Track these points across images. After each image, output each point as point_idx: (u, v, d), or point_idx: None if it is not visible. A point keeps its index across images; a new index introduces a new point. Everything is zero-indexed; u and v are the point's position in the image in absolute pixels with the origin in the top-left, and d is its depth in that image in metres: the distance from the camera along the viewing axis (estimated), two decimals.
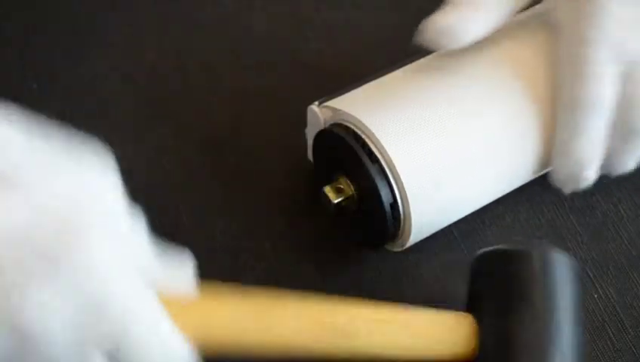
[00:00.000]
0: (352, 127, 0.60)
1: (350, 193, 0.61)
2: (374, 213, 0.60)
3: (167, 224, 0.66)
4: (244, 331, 0.51)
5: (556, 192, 0.67)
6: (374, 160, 0.59)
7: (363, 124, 0.59)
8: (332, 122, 0.62)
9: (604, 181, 0.67)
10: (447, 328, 0.55)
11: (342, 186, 0.62)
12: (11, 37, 0.74)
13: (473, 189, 0.62)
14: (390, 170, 0.59)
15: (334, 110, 0.62)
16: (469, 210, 0.64)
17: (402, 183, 0.59)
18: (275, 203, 0.67)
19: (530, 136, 0.62)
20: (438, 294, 0.63)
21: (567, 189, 0.64)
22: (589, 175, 0.62)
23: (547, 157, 0.63)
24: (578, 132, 0.61)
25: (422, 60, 0.64)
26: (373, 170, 0.59)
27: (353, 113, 0.60)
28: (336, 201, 0.61)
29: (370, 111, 0.60)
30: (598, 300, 0.63)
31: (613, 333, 0.62)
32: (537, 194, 0.66)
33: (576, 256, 0.65)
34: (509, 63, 0.63)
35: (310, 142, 0.65)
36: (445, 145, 0.60)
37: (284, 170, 0.68)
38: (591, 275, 0.64)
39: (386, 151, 0.59)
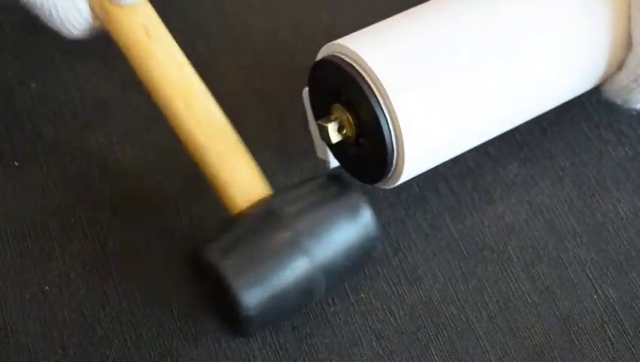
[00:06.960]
0: (347, 58, 0.59)
1: (349, 124, 0.60)
2: (373, 142, 0.59)
3: (167, 224, 0.66)
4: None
5: (556, 193, 0.67)
6: (370, 92, 0.58)
7: (357, 55, 0.58)
8: (327, 54, 0.60)
9: (604, 181, 0.67)
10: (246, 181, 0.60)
11: (341, 121, 0.60)
12: (11, 37, 0.74)
13: (471, 123, 0.61)
14: (384, 101, 0.58)
15: (329, 45, 0.61)
16: (464, 148, 0.63)
17: (396, 115, 0.58)
18: None
19: (534, 64, 0.61)
20: (437, 294, 0.63)
21: (621, 101, 0.64)
22: None
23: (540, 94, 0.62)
24: None
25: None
26: (373, 99, 0.58)
27: (348, 45, 0.59)
28: (335, 141, 0.60)
29: (364, 43, 0.59)
30: (598, 300, 0.63)
31: (613, 333, 0.62)
32: (538, 195, 0.66)
33: (576, 257, 0.65)
34: None
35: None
36: (443, 75, 0.59)
37: (284, 169, 0.68)
38: (590, 276, 0.64)
39: (380, 83, 0.58)
